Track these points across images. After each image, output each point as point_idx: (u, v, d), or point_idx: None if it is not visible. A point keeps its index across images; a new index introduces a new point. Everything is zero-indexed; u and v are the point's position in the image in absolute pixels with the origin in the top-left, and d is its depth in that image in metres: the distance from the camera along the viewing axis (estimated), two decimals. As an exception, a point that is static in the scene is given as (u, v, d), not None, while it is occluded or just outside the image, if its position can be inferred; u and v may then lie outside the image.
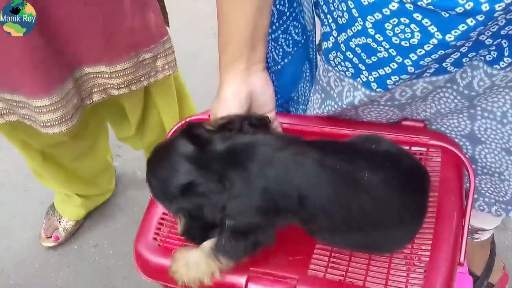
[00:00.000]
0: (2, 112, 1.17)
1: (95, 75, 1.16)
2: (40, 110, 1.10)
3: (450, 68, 0.75)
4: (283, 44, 1.02)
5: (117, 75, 1.16)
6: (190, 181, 0.67)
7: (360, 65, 0.78)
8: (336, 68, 0.84)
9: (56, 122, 1.13)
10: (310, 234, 0.75)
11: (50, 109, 1.10)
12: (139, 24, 1.13)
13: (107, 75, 1.16)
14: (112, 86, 1.18)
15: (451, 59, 0.74)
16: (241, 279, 0.73)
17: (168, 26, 1.34)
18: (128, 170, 1.89)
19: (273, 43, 1.02)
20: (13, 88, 1.10)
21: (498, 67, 0.75)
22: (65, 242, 1.69)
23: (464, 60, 0.74)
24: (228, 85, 0.76)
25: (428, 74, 0.76)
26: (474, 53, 0.73)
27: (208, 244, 0.71)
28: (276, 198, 0.68)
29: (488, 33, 0.70)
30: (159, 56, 1.20)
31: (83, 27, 1.08)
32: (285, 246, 0.76)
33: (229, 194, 0.67)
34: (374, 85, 0.78)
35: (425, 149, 0.86)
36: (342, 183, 0.70)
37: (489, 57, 0.75)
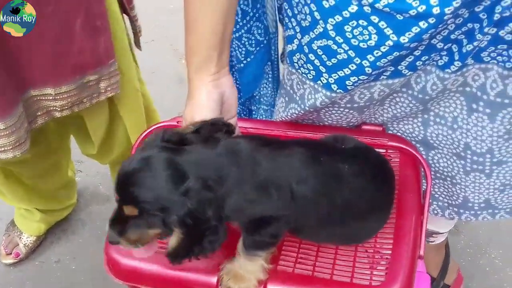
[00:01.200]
0: None
1: (39, 98, 1.14)
2: None
3: (405, 71, 0.81)
4: (246, 43, 1.06)
5: (61, 97, 1.14)
6: (196, 177, 0.65)
7: (321, 67, 0.82)
8: (299, 70, 0.88)
9: (11, 147, 1.10)
10: (295, 233, 0.77)
11: (5, 133, 1.07)
12: (87, 47, 1.12)
13: (51, 97, 1.14)
14: (55, 108, 1.17)
15: (405, 62, 0.79)
16: (212, 278, 0.75)
17: (140, 49, 1.35)
18: (90, 185, 1.88)
19: (236, 42, 1.05)
20: None
21: (449, 71, 0.80)
22: (26, 259, 1.65)
23: (417, 63, 0.79)
24: (201, 89, 0.78)
25: (385, 77, 0.81)
26: (427, 57, 0.78)
27: (242, 250, 0.72)
28: (272, 190, 0.68)
29: (439, 37, 0.75)
30: (102, 78, 1.19)
31: (33, 47, 1.06)
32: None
33: (229, 191, 0.67)
34: (334, 87, 0.82)
35: (384, 151, 0.91)
36: (327, 175, 0.73)
37: (441, 62, 0.80)
